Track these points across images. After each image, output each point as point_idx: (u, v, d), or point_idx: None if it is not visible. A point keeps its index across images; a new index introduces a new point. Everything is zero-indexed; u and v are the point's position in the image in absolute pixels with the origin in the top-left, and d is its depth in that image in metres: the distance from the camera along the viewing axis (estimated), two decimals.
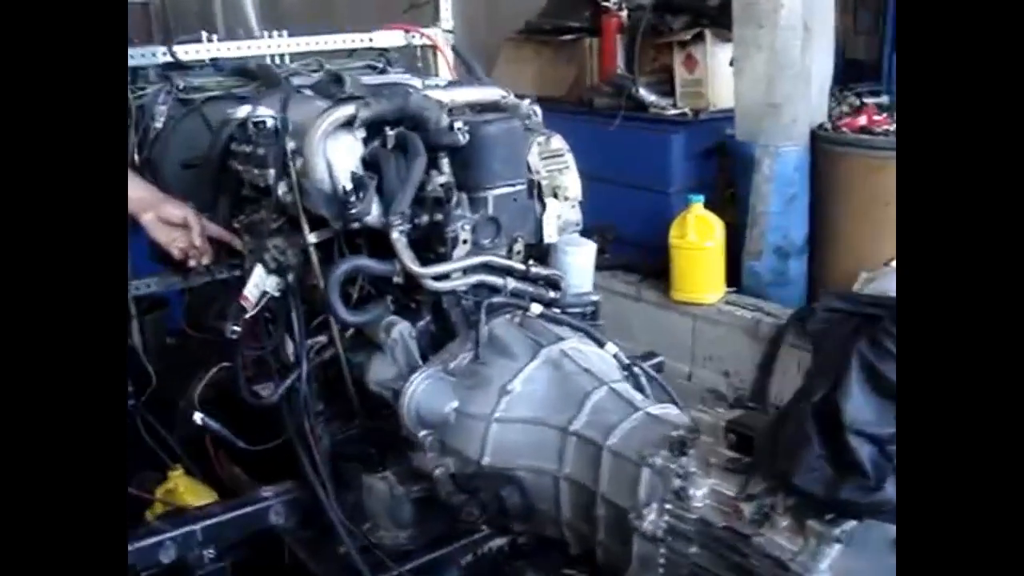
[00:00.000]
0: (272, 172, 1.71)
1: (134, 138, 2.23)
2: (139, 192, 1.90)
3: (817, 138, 3.14)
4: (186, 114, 2.28)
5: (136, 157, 2.19)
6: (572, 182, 1.89)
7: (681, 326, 3.26)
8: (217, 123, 2.00)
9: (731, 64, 3.26)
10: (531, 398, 1.63)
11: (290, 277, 1.81)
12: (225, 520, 1.86)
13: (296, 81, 2.23)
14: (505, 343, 1.71)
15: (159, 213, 1.83)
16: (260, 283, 1.78)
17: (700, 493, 1.34)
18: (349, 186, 1.65)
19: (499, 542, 1.82)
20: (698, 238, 3.20)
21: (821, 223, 3.18)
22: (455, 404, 1.62)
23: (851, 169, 3.01)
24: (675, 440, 1.43)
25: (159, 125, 2.25)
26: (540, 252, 1.80)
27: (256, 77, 2.31)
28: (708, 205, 3.25)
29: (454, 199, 1.64)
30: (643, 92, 3.58)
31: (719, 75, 3.53)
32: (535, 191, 1.79)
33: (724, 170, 3.62)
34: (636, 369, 1.78)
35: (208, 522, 1.81)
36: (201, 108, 2.26)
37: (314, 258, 1.73)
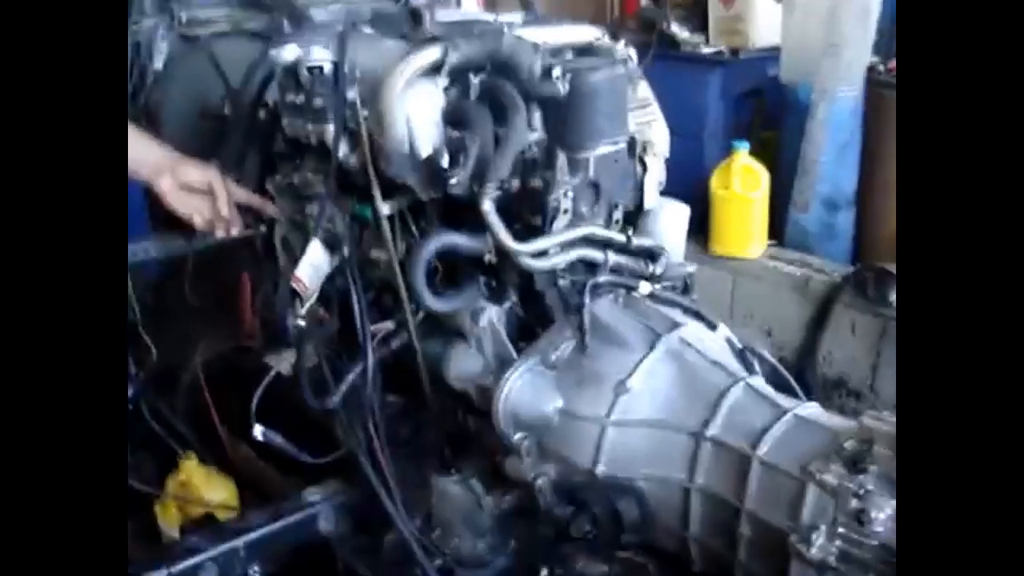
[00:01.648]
0: (331, 128, 1.50)
1: (128, 82, 1.98)
2: (152, 153, 1.63)
3: (870, 82, 2.94)
4: (190, 53, 2.02)
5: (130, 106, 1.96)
6: (661, 136, 1.72)
7: (719, 282, 3.09)
8: (245, 65, 1.74)
9: None
10: (653, 397, 1.47)
11: (345, 251, 1.61)
12: (270, 532, 1.68)
13: (316, 14, 1.95)
14: (614, 330, 1.53)
15: (178, 178, 1.59)
16: (318, 261, 1.54)
17: (882, 516, 1.19)
18: (433, 146, 1.45)
19: None
20: (743, 188, 3.00)
21: (870, 174, 3.01)
22: (559, 403, 1.49)
23: None
24: (847, 453, 1.25)
25: (159, 66, 2.00)
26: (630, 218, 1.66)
27: (270, 9, 2.05)
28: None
29: (557, 162, 1.45)
30: (675, 27, 3.33)
31: (759, 10, 3.30)
32: (634, 150, 1.61)
33: (760, 113, 3.41)
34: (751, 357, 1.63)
35: (251, 536, 1.64)
36: (208, 46, 1.98)
37: (387, 232, 1.53)
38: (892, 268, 2.61)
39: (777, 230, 3.18)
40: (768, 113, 3.40)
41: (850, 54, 2.86)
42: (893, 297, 2.62)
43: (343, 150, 1.51)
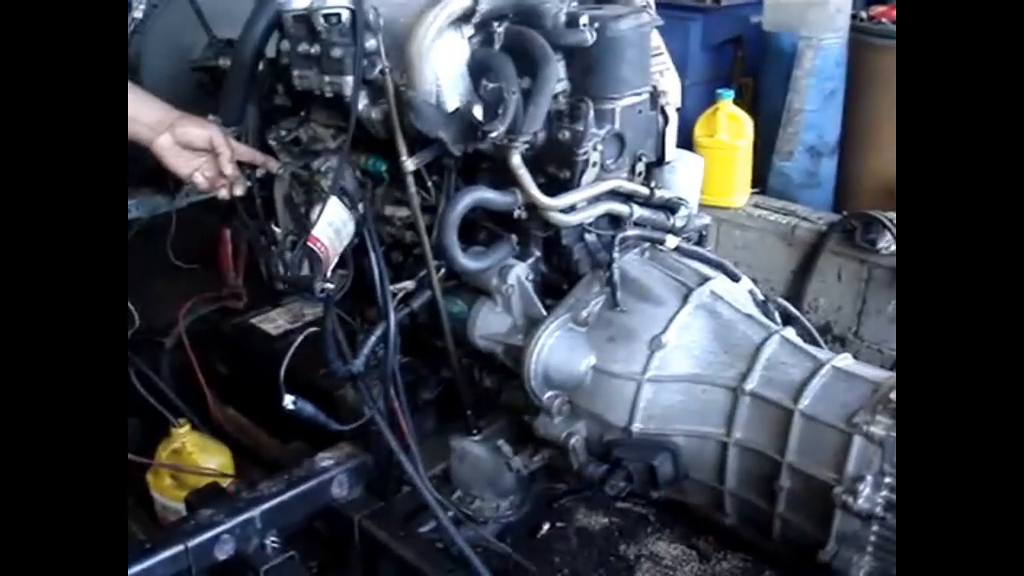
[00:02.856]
0: (350, 80, 1.45)
1: None
2: (150, 110, 1.54)
3: (853, 28, 2.95)
4: (171, 1, 1.95)
5: None
6: (673, 86, 1.70)
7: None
8: (229, 14, 1.69)
9: None
10: (688, 352, 1.46)
11: (361, 207, 1.57)
12: (285, 501, 1.62)
13: None
14: (644, 285, 1.53)
15: (177, 136, 1.52)
16: (338, 222, 1.48)
17: None
18: (461, 98, 1.42)
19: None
20: (729, 137, 2.98)
21: (853, 122, 3.04)
22: (592, 361, 1.48)
23: (889, 62, 2.84)
24: (893, 403, 1.26)
25: (138, 14, 1.93)
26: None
27: None
28: None
29: (589, 113, 1.42)
30: None
31: None
32: (657, 100, 1.57)
33: (739, 61, 3.40)
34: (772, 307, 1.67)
35: (266, 506, 1.57)
36: None
37: (412, 188, 1.49)
38: (879, 215, 2.64)
39: (758, 178, 3.19)
40: (747, 60, 3.39)
41: (837, 1, 2.85)
42: (880, 244, 2.66)
43: (362, 103, 1.47)
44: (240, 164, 1.67)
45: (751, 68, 3.35)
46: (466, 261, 1.45)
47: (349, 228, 1.51)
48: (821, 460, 1.31)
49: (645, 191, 1.58)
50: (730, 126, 3.00)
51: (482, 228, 1.58)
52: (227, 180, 1.62)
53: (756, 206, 3.12)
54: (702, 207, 2.96)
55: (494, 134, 1.34)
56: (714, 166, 3.00)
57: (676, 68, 1.74)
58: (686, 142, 3.03)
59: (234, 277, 2.21)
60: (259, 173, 1.68)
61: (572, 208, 1.48)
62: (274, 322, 2.11)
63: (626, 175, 1.56)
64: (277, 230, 1.71)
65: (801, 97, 2.98)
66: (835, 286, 2.87)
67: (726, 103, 2.99)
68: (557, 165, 1.47)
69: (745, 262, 3.06)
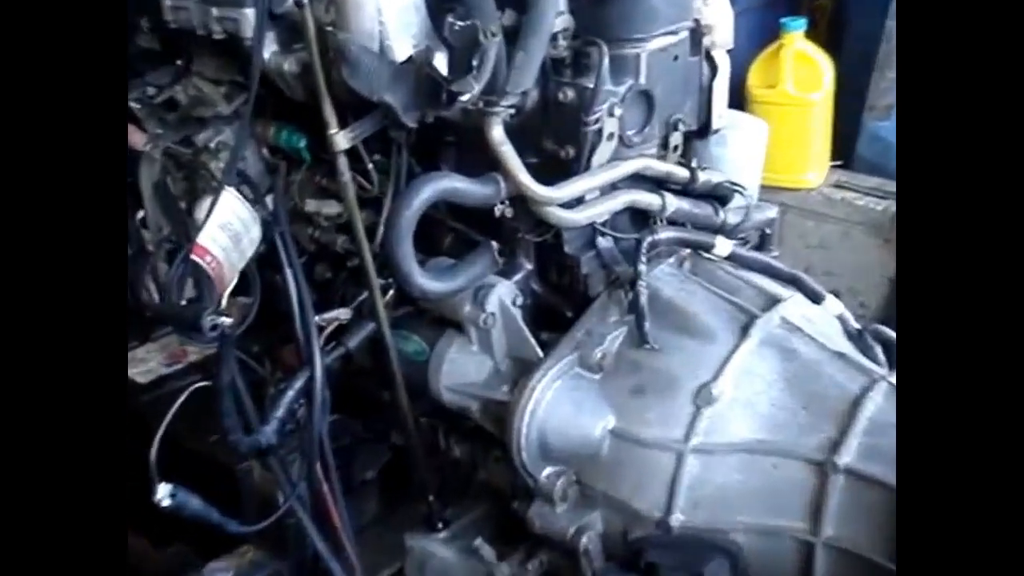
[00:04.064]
0: (250, 14, 1.47)
1: None
2: None
3: None
4: None
5: None
6: (722, 18, 1.71)
7: None
8: None
9: None
10: (751, 408, 1.46)
11: (270, 202, 1.60)
12: None
13: None
14: (684, 311, 1.53)
15: None
16: (235, 223, 1.50)
17: None
18: (414, 42, 1.43)
19: None
20: (798, 88, 2.97)
21: None
22: (610, 422, 1.50)
23: None
24: None
25: None
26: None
27: None
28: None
29: (603, 62, 1.44)
30: None
31: None
32: (700, 42, 1.62)
33: None
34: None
35: None
36: None
37: (345, 175, 1.48)
38: None
39: (842, 146, 3.18)
40: None
41: None
42: None
43: (270, 49, 1.48)
44: None
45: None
46: (426, 280, 1.44)
47: (253, 233, 1.51)
48: None
49: (684, 173, 1.60)
50: (800, 72, 2.99)
51: (449, 231, 1.62)
52: None
53: (838, 186, 3.11)
54: (763, 190, 3.02)
55: (465, 96, 1.34)
56: (777, 130, 2.96)
57: None
58: (736, 98, 3.02)
59: None
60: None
61: (579, 201, 1.50)
62: (142, 364, 2.09)
63: (656, 151, 1.59)
64: (145, 233, 1.70)
65: None
66: None
67: (794, 38, 2.99)
68: (557, 139, 1.49)
69: (822, 268, 3.06)
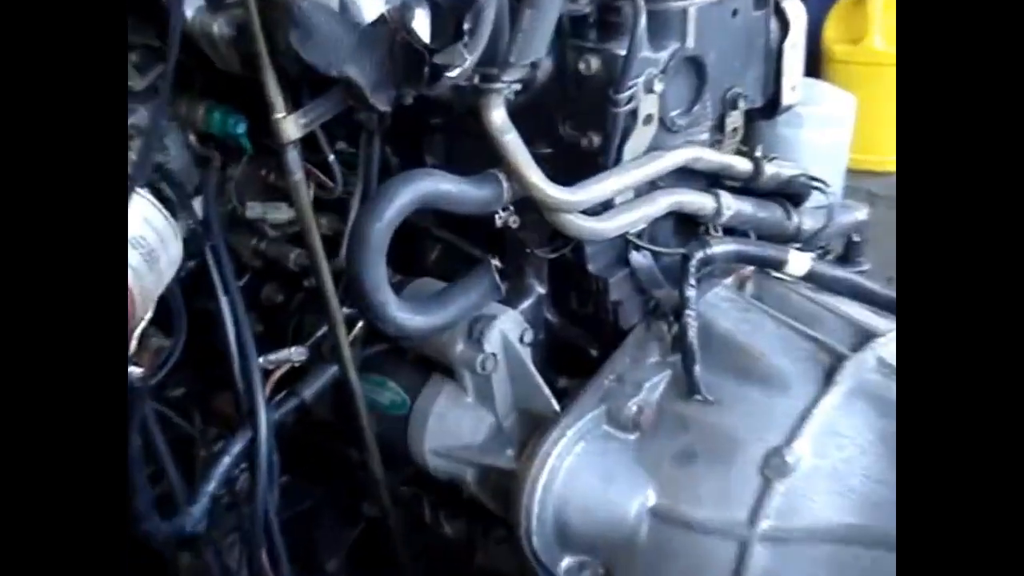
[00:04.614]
0: None
1: None
2: None
3: None
4: None
5: None
6: None
7: None
8: None
9: None
10: (838, 481, 1.38)
11: (198, 206, 1.60)
12: None
13: None
14: (749, 350, 1.47)
15: None
16: (149, 235, 1.44)
17: None
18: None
19: None
20: (889, 41, 2.97)
21: None
22: (651, 499, 1.44)
23: None
24: None
25: None
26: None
27: None
28: None
29: (639, 20, 1.40)
30: None
31: None
32: None
33: None
34: None
35: None
36: None
37: (297, 172, 1.45)
38: None
39: None
40: None
41: None
42: None
43: (193, 5, 1.45)
44: None
45: None
46: (404, 313, 1.39)
47: (173, 249, 1.47)
48: None
49: (747, 165, 1.58)
50: (891, 22, 2.97)
51: (436, 242, 1.63)
52: None
53: None
54: (849, 174, 3.04)
55: (455, 71, 1.30)
56: (861, 97, 2.97)
57: None
58: (809, 59, 3.02)
59: None
60: None
61: (607, 206, 1.47)
62: None
63: (709, 136, 1.57)
64: None
65: None
66: None
67: None
68: (577, 124, 1.47)
69: None
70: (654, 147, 1.49)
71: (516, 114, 1.41)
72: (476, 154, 1.44)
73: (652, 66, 1.43)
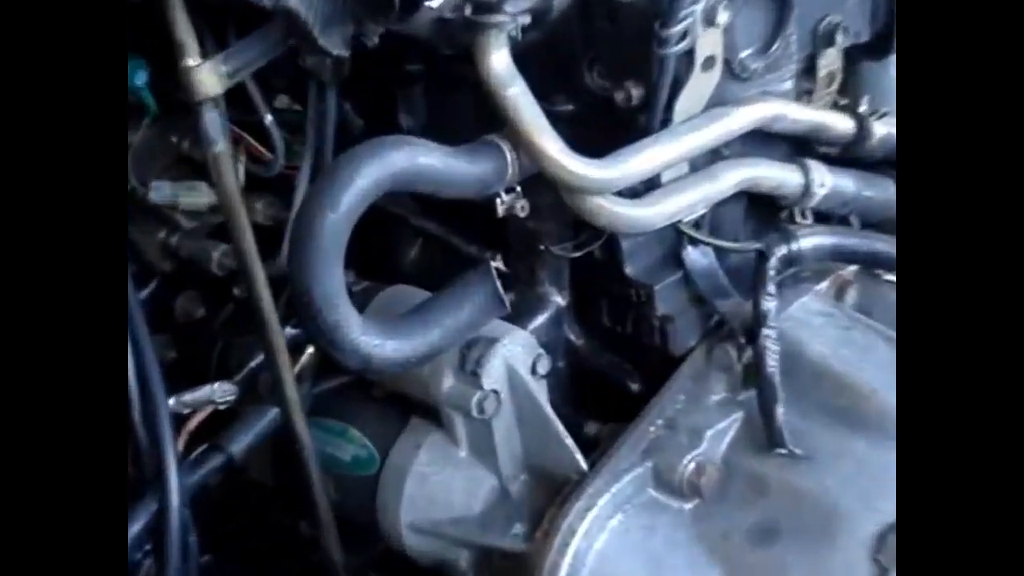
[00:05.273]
0: None
1: None
2: None
3: None
4: None
5: None
6: None
7: None
8: None
9: None
10: None
11: None
12: None
13: None
14: (852, 382, 1.43)
15: None
16: None
17: None
18: None
19: None
20: None
21: None
22: None
23: None
24: None
25: None
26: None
27: None
28: None
29: None
30: None
31: None
32: None
33: None
34: None
35: None
36: None
37: (219, 143, 1.38)
38: None
39: None
40: None
41: None
42: None
43: None
44: None
45: None
46: (371, 336, 1.31)
47: None
48: None
49: (849, 125, 1.57)
50: None
51: (415, 236, 1.67)
52: None
53: None
54: None
55: (436, 3, 1.27)
56: None
57: None
58: None
59: None
60: None
61: (651, 185, 1.44)
62: None
63: (794, 85, 1.55)
64: None
65: None
66: None
67: None
68: (610, 71, 1.43)
69: None
70: (717, 102, 1.43)
71: (524, 58, 1.36)
72: (469, 114, 1.45)
73: None
